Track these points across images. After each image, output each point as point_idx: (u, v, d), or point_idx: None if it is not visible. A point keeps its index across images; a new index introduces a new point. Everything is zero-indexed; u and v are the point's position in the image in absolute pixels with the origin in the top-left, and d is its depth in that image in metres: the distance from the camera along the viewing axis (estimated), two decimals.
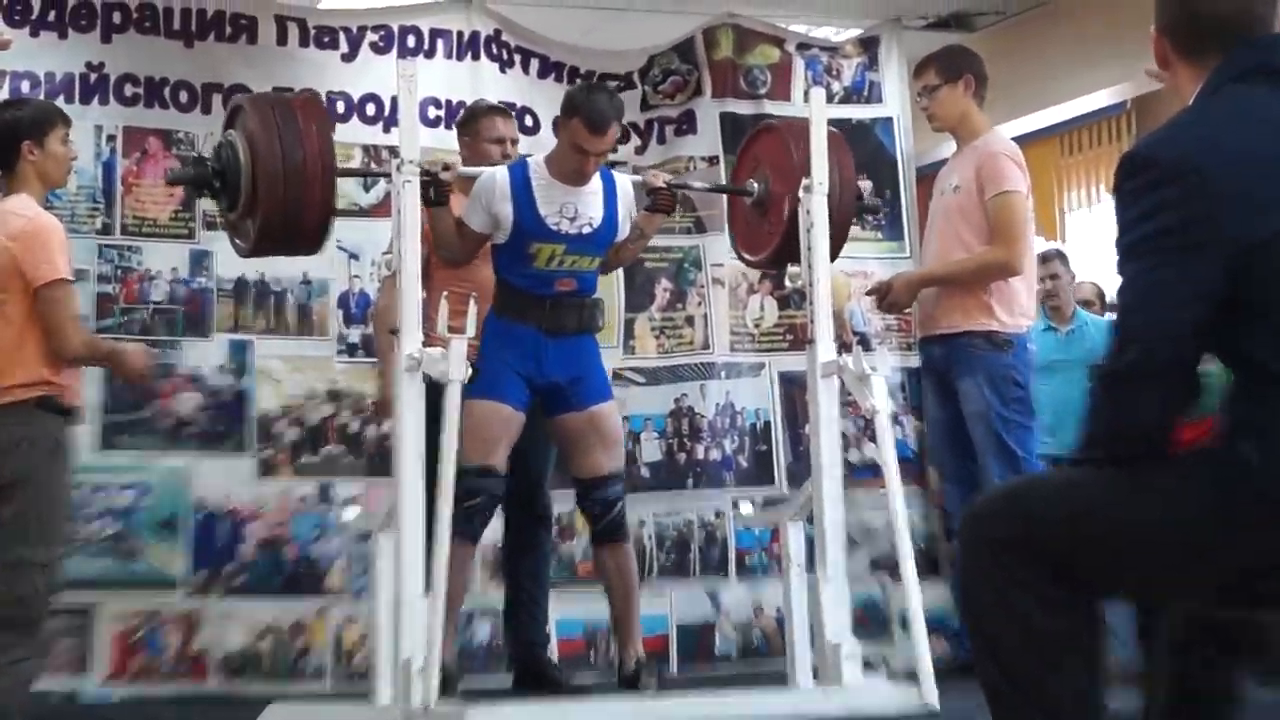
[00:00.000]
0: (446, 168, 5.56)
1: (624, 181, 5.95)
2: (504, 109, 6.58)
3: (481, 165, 6.04)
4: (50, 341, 5.15)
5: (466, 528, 5.40)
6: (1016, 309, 6.37)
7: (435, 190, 5.38)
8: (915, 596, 5.04)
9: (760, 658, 7.20)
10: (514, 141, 6.34)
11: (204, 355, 6.92)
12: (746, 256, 6.38)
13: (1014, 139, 9.42)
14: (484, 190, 5.68)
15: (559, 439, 5.89)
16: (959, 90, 6.48)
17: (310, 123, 5.04)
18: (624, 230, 5.88)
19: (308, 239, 5.16)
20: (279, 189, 4.95)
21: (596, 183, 5.78)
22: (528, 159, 5.90)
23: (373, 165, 7.16)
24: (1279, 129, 2.95)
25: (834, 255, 5.81)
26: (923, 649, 4.98)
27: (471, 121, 6.43)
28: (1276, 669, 5.37)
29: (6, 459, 5.06)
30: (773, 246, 6.01)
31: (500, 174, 5.71)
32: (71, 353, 5.21)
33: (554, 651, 6.60)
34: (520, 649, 6.25)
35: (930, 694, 4.88)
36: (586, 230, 5.70)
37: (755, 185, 6.06)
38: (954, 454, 6.49)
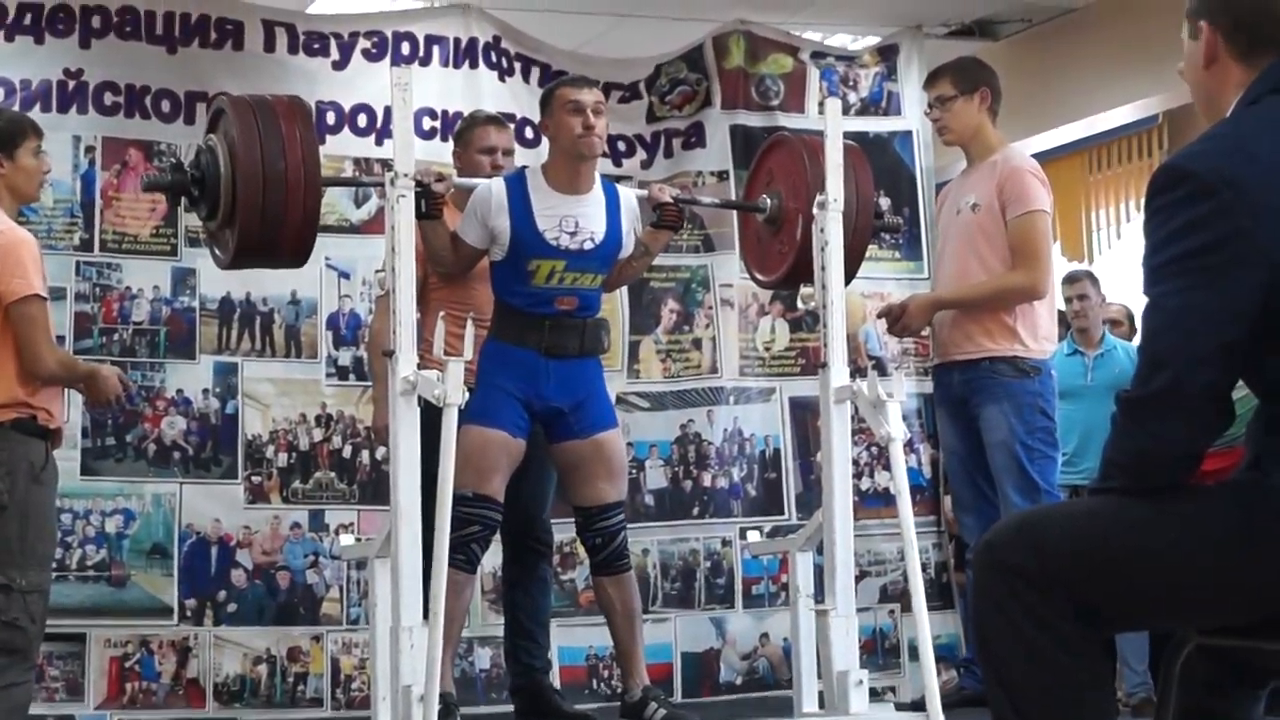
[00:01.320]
0: (440, 178, 5.61)
1: (628, 195, 6.00)
2: (499, 119, 6.59)
3: (472, 177, 6.10)
4: (23, 360, 5.28)
5: (462, 557, 5.51)
6: (1040, 333, 6.40)
7: (427, 202, 5.43)
8: (925, 626, 5.18)
9: (765, 687, 7.39)
10: (506, 152, 6.36)
11: (189, 378, 7.02)
12: (758, 276, 6.44)
13: (1039, 154, 9.55)
14: (480, 202, 5.74)
15: (560, 466, 5.96)
16: (974, 103, 6.51)
17: (294, 127, 5.06)
18: (628, 247, 5.94)
19: (290, 250, 5.17)
20: (259, 196, 4.96)
21: (598, 194, 5.84)
22: (525, 169, 5.96)
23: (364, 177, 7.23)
24: None
25: (849, 277, 5.89)
26: (931, 678, 5.10)
27: (465, 131, 6.46)
28: None
29: None
30: (786, 266, 6.09)
31: (497, 186, 5.77)
32: (45, 372, 5.32)
33: (556, 679, 6.69)
34: (521, 675, 6.34)
35: None
36: (588, 246, 5.75)
37: (768, 201, 6.12)
38: (971, 484, 6.53)
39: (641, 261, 6.10)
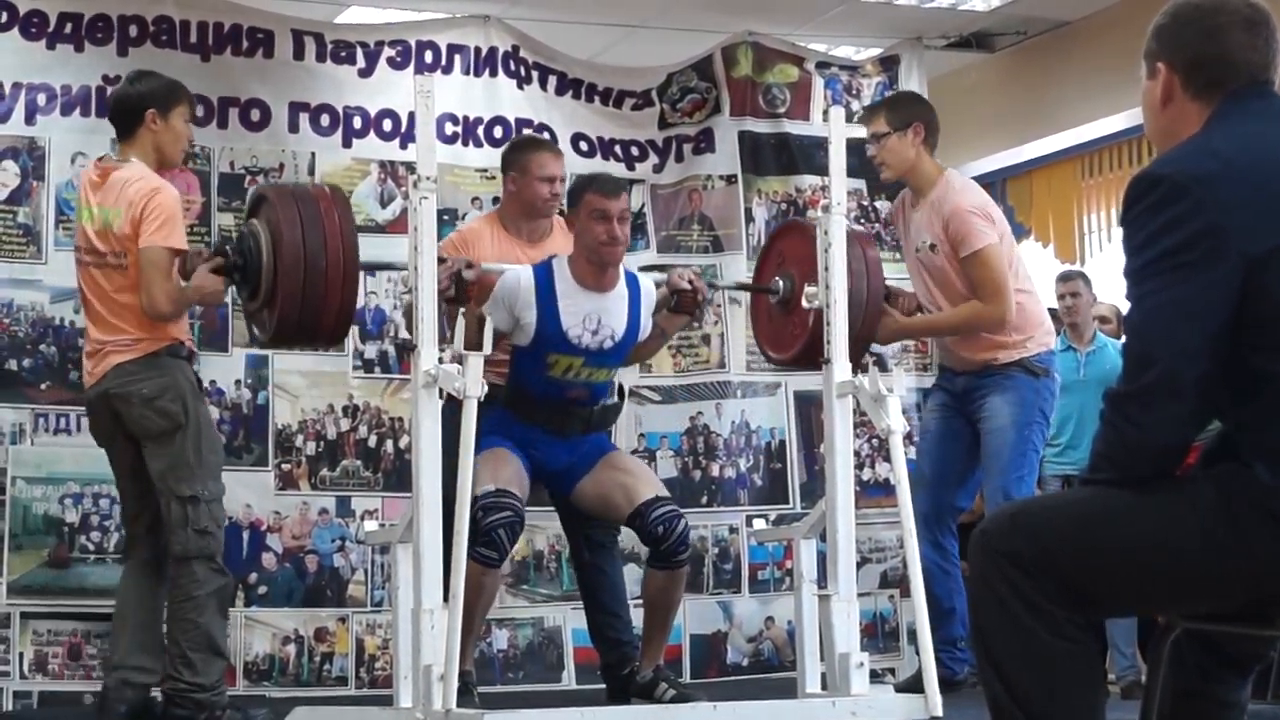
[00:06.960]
0: (470, 266, 5.60)
1: (648, 285, 5.99)
2: (555, 146, 6.42)
3: (530, 203, 6.18)
4: (142, 301, 5.47)
5: (492, 553, 5.57)
6: (1044, 330, 6.38)
7: (458, 289, 5.43)
8: (923, 611, 5.18)
9: (770, 668, 7.43)
10: (562, 180, 6.28)
11: (222, 370, 7.01)
12: (771, 354, 6.39)
13: (1032, 161, 9.56)
14: (508, 292, 5.72)
15: (587, 505, 5.98)
16: (908, 139, 6.32)
17: (334, 218, 5.06)
18: (646, 330, 5.94)
19: (327, 336, 5.21)
20: (298, 286, 4.98)
21: (622, 289, 5.84)
22: (552, 260, 5.90)
23: (389, 181, 7.27)
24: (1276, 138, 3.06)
25: (856, 360, 5.75)
26: (929, 660, 5.10)
27: (519, 155, 6.35)
28: (1275, 682, 5.48)
29: (155, 407, 5.45)
30: (799, 346, 6.03)
31: (525, 277, 5.75)
32: (156, 313, 5.50)
33: (571, 660, 6.69)
34: (611, 652, 6.26)
35: (935, 703, 5.00)
36: (608, 345, 5.77)
37: (781, 283, 6.08)
38: (935, 461, 6.52)
39: (657, 342, 6.13)
